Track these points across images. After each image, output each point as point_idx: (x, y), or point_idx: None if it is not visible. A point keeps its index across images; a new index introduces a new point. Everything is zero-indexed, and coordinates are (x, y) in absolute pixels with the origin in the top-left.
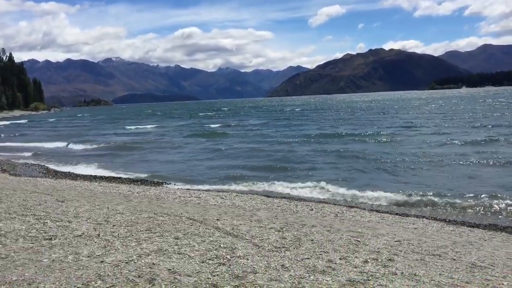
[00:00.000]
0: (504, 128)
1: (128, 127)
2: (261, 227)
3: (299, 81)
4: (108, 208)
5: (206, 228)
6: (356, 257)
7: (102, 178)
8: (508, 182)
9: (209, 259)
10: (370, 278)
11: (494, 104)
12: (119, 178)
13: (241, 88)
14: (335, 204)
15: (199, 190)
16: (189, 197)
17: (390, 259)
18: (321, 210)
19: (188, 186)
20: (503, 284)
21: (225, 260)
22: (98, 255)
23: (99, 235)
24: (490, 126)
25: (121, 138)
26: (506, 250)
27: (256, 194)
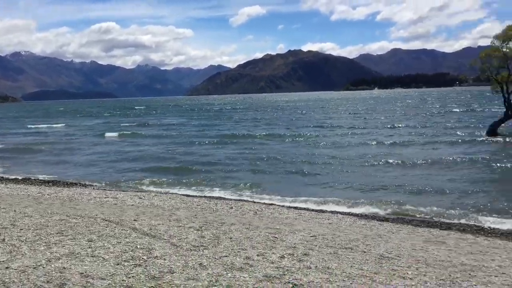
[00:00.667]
0: (411, 129)
1: (37, 126)
2: (180, 226)
3: (220, 80)
4: (15, 211)
5: (122, 229)
6: (273, 253)
7: (8, 179)
8: (412, 180)
9: (124, 260)
10: (286, 273)
11: (404, 106)
12: (28, 179)
13: (161, 86)
14: (254, 202)
15: (115, 190)
16: (105, 197)
17: (305, 254)
18: (241, 208)
19: (104, 187)
20: (407, 273)
21: (141, 261)
22: (3, 261)
23: (4, 239)
24: (401, 127)
25: (28, 138)
26: (411, 242)
27: (176, 194)
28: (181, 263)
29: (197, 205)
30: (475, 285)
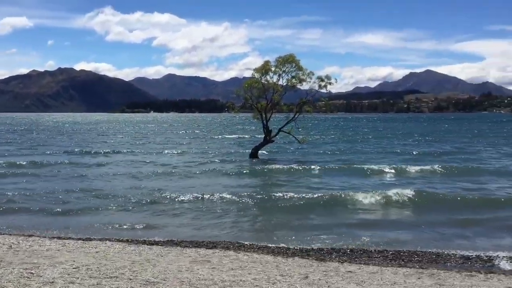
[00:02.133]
0: (190, 155)
1: None
2: None
3: None
4: None
5: None
6: None
7: None
8: (184, 208)
9: None
10: None
11: (180, 130)
12: None
13: None
14: (10, 234)
15: None
16: None
17: None
18: None
19: None
20: None
21: None
22: None
23: None
24: (178, 153)
25: None
26: (178, 264)
27: None
28: None
29: None
30: None
